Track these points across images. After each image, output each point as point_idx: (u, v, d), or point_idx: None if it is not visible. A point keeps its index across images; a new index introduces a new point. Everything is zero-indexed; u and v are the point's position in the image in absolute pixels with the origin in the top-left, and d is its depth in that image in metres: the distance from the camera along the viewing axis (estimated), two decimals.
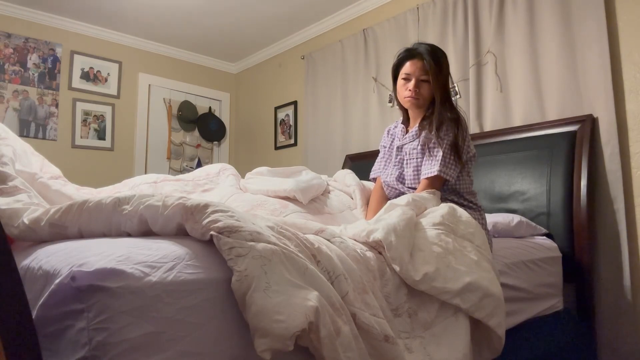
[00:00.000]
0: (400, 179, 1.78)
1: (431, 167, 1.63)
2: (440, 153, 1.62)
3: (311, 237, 1.10)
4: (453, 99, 1.84)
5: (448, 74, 1.71)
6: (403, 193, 1.75)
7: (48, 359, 0.76)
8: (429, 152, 1.66)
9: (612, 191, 2.10)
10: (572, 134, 2.17)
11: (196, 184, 1.96)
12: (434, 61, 1.65)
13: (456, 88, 2.75)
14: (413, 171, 1.72)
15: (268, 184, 1.83)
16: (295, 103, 4.17)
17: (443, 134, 1.64)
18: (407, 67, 1.70)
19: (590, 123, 2.14)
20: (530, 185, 2.22)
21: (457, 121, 1.65)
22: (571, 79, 2.28)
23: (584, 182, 2.08)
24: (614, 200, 2.09)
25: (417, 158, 1.72)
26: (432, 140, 1.65)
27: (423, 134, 1.69)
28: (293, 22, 3.90)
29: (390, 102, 3.15)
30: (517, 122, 2.48)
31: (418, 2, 3.06)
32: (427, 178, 1.64)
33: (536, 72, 2.43)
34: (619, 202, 2.07)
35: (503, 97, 2.57)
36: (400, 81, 1.73)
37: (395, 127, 1.92)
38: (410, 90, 1.68)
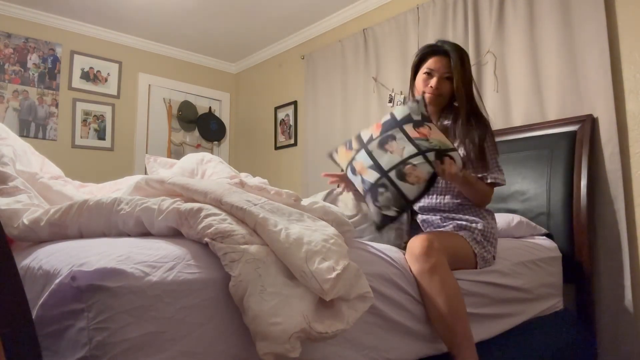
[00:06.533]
0: None
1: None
2: (493, 161, 1.60)
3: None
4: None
5: (471, 75, 1.66)
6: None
7: (48, 359, 0.76)
8: (474, 163, 1.59)
9: (612, 191, 2.09)
10: (572, 134, 2.17)
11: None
12: (459, 59, 1.60)
13: None
14: None
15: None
16: (295, 103, 4.16)
17: (481, 140, 1.59)
18: (431, 63, 1.64)
19: (590, 123, 2.14)
20: (530, 185, 2.22)
21: (487, 126, 1.62)
22: (571, 79, 2.28)
23: (584, 182, 2.08)
24: (614, 200, 2.08)
25: None
26: (471, 150, 1.59)
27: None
28: (293, 22, 3.90)
29: (390, 102, 3.15)
30: (517, 122, 2.47)
31: (418, 2, 3.06)
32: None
33: (536, 72, 2.43)
34: (619, 202, 2.07)
35: (503, 97, 2.56)
36: (421, 76, 1.67)
37: None
38: (431, 86, 1.63)
